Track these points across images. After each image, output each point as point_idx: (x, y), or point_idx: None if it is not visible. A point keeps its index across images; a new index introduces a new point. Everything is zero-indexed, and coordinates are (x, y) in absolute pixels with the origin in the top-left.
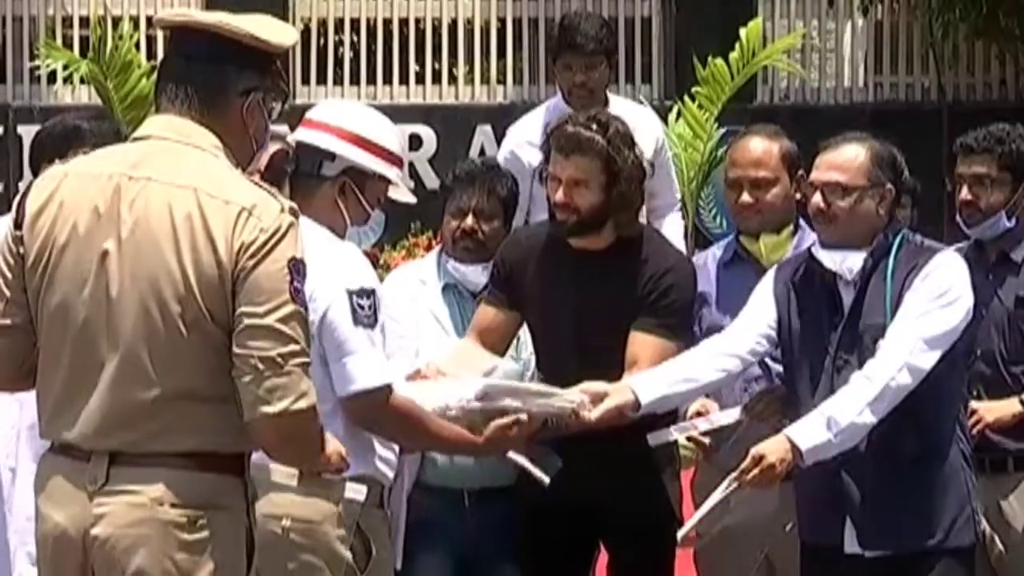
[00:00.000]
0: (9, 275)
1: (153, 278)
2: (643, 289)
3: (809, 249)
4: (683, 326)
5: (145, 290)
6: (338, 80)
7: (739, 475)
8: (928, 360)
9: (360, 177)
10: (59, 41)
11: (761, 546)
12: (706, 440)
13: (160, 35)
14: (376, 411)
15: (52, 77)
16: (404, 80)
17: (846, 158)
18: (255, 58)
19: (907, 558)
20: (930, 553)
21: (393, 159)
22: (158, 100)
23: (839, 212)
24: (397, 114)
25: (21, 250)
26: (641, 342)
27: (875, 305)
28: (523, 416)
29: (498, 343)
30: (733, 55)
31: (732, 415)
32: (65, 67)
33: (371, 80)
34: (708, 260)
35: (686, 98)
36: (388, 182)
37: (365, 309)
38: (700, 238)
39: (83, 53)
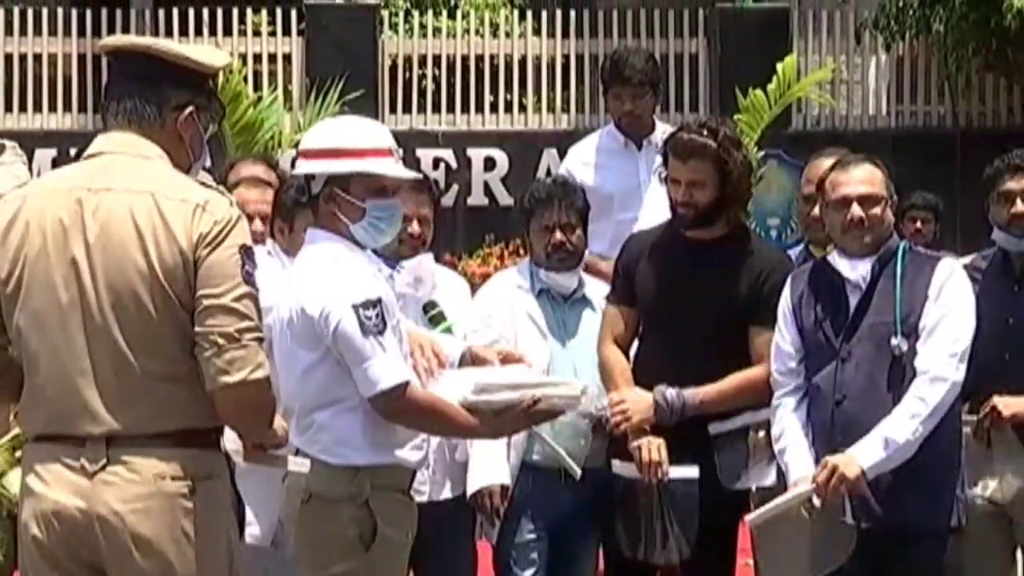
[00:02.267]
0: None
1: (124, 275)
2: (757, 282)
3: (824, 258)
4: None
5: (118, 287)
6: (421, 109)
7: (818, 487)
8: (963, 372)
9: (340, 181)
10: None
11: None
12: None
13: (269, 70)
14: (396, 406)
15: None
16: (480, 109)
17: (869, 172)
18: (188, 77)
19: (898, 533)
20: (919, 531)
21: (362, 153)
22: (104, 119)
23: (875, 220)
24: (474, 139)
25: None
26: (763, 340)
27: (884, 306)
28: (525, 403)
29: (631, 338)
30: (771, 87)
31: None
32: None
33: (450, 109)
34: None
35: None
36: (371, 175)
37: (372, 319)
38: None
39: None
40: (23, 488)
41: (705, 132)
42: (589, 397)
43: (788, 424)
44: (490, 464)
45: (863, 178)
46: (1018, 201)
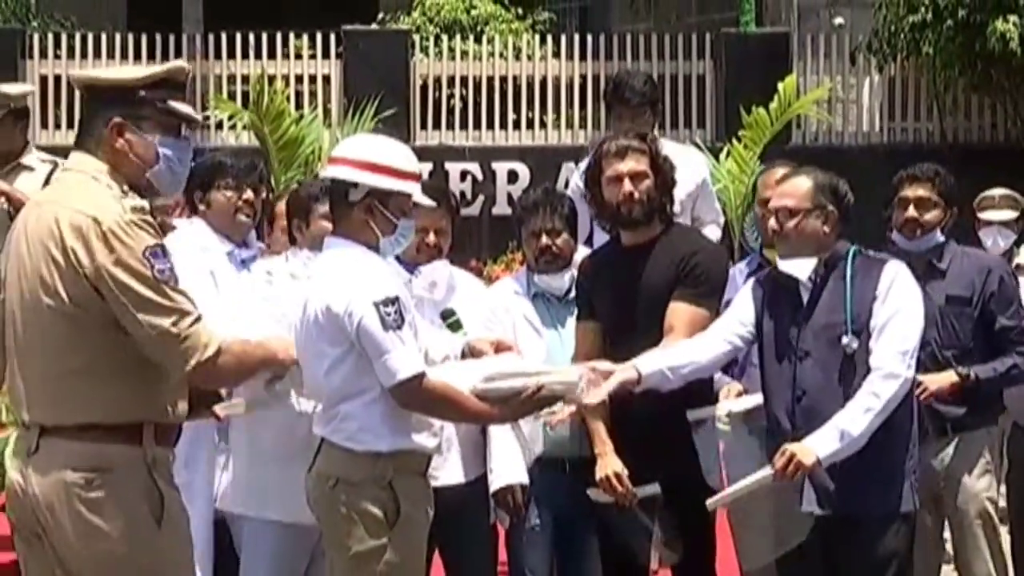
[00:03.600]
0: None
1: (33, 281)
2: (678, 268)
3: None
4: (711, 295)
5: (30, 292)
6: (450, 126)
7: (776, 473)
8: (912, 369)
9: (382, 196)
10: (225, 95)
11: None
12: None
13: (310, 90)
14: (414, 395)
15: (220, 124)
16: (504, 126)
17: (793, 187)
18: (106, 95)
19: (855, 519)
20: (875, 516)
21: (406, 175)
22: None
23: (788, 231)
24: (498, 154)
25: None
26: (675, 310)
27: (835, 305)
28: (530, 389)
29: (600, 348)
30: (772, 105)
31: (757, 399)
32: (230, 117)
33: (476, 126)
34: (736, 272)
35: (734, 140)
36: (408, 195)
37: (391, 315)
38: (744, 253)
39: (245, 105)
40: None
41: (631, 136)
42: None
43: (687, 344)
44: (511, 464)
45: (785, 192)
46: (910, 207)
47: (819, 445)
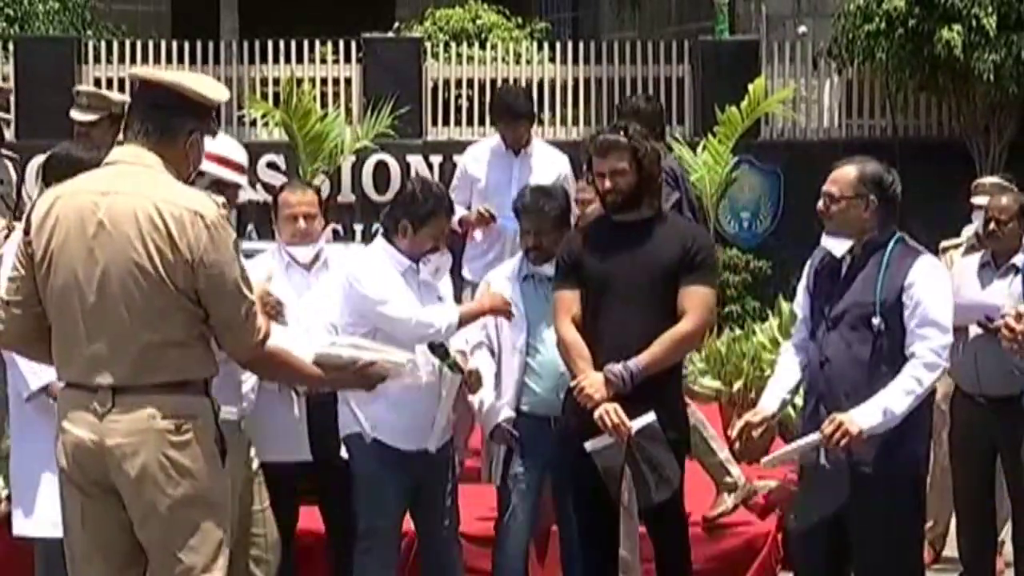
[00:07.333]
0: (22, 270)
1: (128, 264)
2: (687, 249)
3: None
4: (714, 275)
5: (122, 272)
6: (458, 123)
7: (824, 439)
8: (948, 360)
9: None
10: (259, 96)
11: None
12: None
13: (334, 91)
14: (256, 359)
15: (254, 122)
16: None
17: (841, 175)
18: (198, 108)
19: (864, 476)
20: (882, 475)
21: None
22: (125, 134)
23: (832, 213)
24: None
25: (30, 251)
26: (688, 294)
27: (867, 286)
28: (361, 362)
29: (580, 315)
30: (743, 104)
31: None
32: (263, 115)
33: (481, 122)
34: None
35: (709, 135)
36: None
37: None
38: (718, 237)
39: (276, 104)
40: (58, 427)
41: (617, 131)
42: (411, 368)
43: (780, 365)
44: (496, 408)
45: (833, 179)
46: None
47: (864, 418)
